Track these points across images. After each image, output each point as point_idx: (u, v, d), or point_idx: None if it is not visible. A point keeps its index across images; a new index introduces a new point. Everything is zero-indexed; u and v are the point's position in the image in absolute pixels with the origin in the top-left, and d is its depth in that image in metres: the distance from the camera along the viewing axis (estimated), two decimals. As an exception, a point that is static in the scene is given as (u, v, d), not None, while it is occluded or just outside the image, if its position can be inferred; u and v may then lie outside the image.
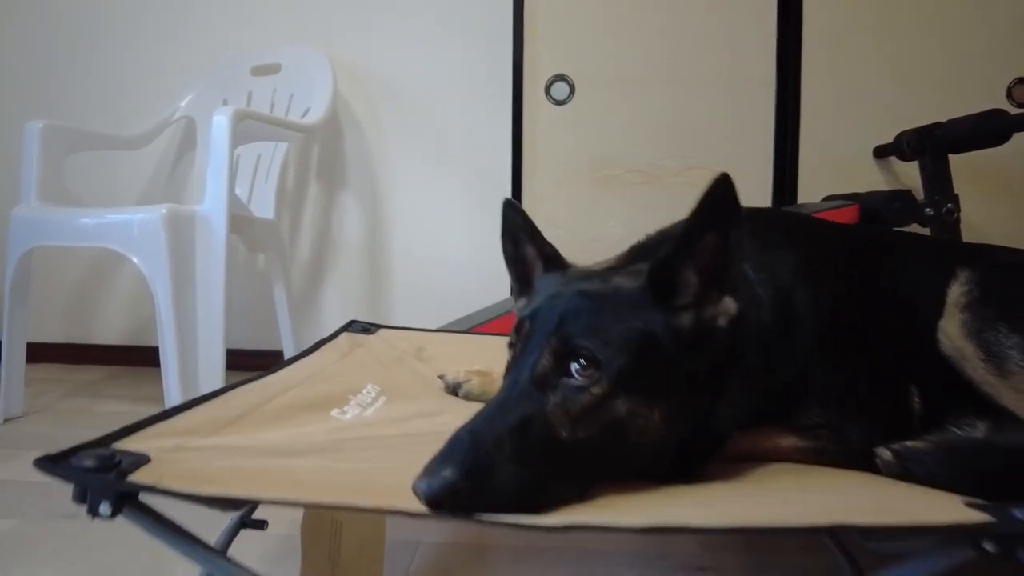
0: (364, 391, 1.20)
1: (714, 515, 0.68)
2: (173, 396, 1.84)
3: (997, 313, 1.01)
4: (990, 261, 1.15)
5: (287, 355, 2.47)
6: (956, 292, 1.09)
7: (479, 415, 0.77)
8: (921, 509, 0.70)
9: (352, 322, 1.66)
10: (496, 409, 0.77)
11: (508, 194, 2.66)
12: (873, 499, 0.79)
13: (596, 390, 0.77)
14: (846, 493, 0.82)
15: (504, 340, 1.77)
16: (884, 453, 0.94)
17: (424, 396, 1.25)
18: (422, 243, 2.76)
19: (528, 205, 2.67)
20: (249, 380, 1.12)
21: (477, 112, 2.71)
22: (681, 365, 0.81)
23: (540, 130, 2.69)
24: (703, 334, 0.83)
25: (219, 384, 1.90)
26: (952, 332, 1.04)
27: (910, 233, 1.57)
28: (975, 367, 1.00)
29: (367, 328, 1.63)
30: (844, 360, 1.01)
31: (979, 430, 1.04)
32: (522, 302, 1.01)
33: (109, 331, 2.87)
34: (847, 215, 1.90)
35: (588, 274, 0.91)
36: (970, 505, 0.68)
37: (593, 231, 2.66)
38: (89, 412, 2.23)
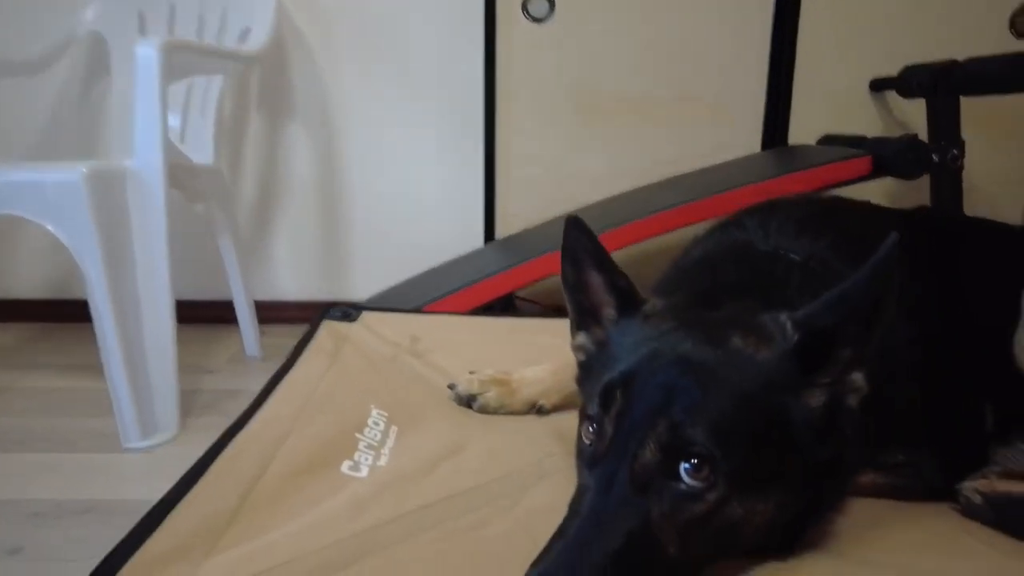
0: (370, 423, 1.02)
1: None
2: (118, 381, 1.59)
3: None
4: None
5: (238, 306, 2.21)
6: (1032, 298, 0.99)
7: (568, 530, 0.62)
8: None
9: (329, 307, 1.45)
10: (591, 525, 0.62)
11: (480, 126, 2.40)
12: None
13: (711, 496, 0.63)
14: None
15: (505, 324, 1.60)
16: (973, 496, 0.86)
17: (437, 418, 1.08)
18: (385, 182, 2.48)
19: (502, 138, 2.41)
20: (231, 428, 0.93)
21: (445, 31, 2.37)
22: (804, 454, 0.67)
23: (516, 52, 2.39)
24: (831, 416, 0.69)
25: (169, 357, 1.67)
26: (1028, 348, 0.94)
27: (974, 219, 1.45)
28: (1050, 380, 0.91)
29: (348, 313, 1.43)
30: (926, 393, 0.89)
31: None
32: (581, 338, 0.84)
33: (25, 284, 2.51)
34: (859, 167, 1.77)
35: (687, 321, 0.73)
36: None
37: (574, 167, 2.45)
38: (8, 390, 1.94)
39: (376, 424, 1.03)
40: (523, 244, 2.15)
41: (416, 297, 1.96)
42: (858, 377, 0.70)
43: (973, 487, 0.86)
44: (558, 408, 1.13)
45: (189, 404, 1.83)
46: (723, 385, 0.66)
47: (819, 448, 0.68)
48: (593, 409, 0.70)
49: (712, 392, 0.65)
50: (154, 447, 1.63)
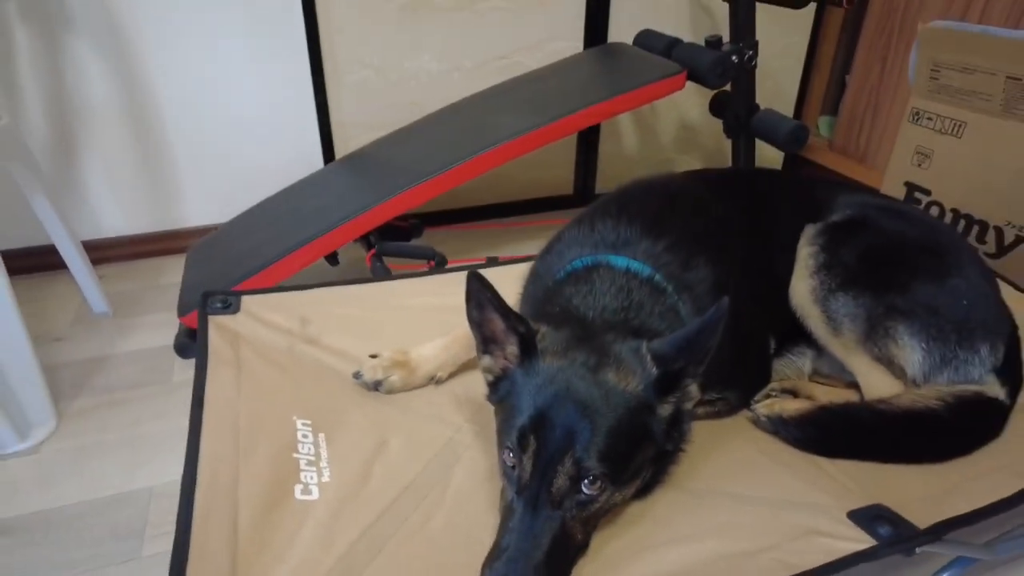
0: (300, 437, 1.16)
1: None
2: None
3: (838, 284, 1.27)
4: (832, 216, 1.37)
5: (68, 260, 2.02)
6: (805, 253, 1.34)
7: (509, 541, 0.87)
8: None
9: (206, 297, 1.46)
10: (525, 538, 0.88)
11: (301, 31, 2.22)
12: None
13: (603, 497, 0.92)
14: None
15: (382, 289, 1.72)
16: (760, 418, 1.24)
17: (354, 412, 1.24)
18: (199, 100, 2.26)
19: (327, 40, 2.26)
20: (185, 484, 1.02)
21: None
22: (658, 446, 0.97)
23: (329, -55, 2.17)
24: (676, 417, 0.98)
25: (21, 340, 1.59)
26: (803, 297, 1.31)
27: (772, 175, 1.73)
28: (817, 325, 1.29)
29: (227, 302, 1.46)
30: (735, 346, 1.21)
31: (807, 355, 1.39)
32: (487, 361, 1.04)
33: None
34: (676, 84, 1.97)
35: (575, 362, 0.95)
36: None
37: (405, 67, 2.39)
38: None
39: (305, 437, 1.16)
40: (369, 170, 2.15)
41: (275, 237, 1.95)
42: (693, 388, 0.99)
43: (760, 409, 1.24)
44: (452, 376, 1.35)
45: (52, 385, 1.77)
46: (606, 420, 0.91)
47: (668, 440, 0.98)
48: (512, 446, 0.93)
49: (599, 429, 0.90)
50: (37, 446, 1.61)
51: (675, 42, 2.16)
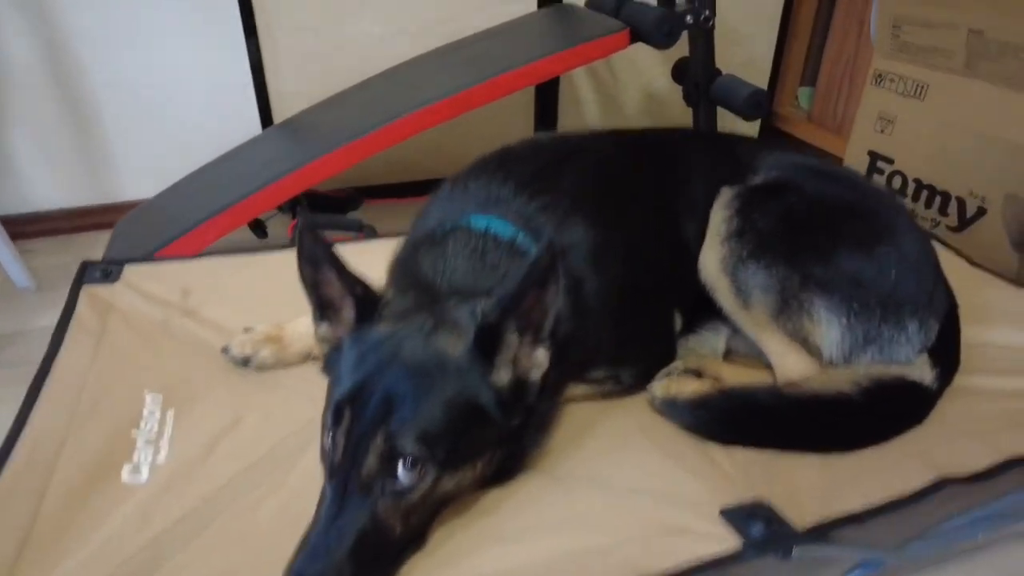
0: (145, 413, 1.07)
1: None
2: None
3: (749, 251, 1.15)
4: (752, 178, 1.24)
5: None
6: (718, 218, 1.21)
7: (311, 538, 0.76)
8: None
9: (85, 266, 1.38)
10: (328, 532, 0.77)
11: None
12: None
13: (424, 485, 0.80)
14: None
15: (276, 259, 1.61)
16: (654, 399, 1.12)
17: (215, 388, 1.14)
18: (127, 64, 2.16)
19: (260, 4, 2.15)
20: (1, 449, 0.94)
21: None
22: (501, 423, 0.85)
23: None
24: (519, 387, 0.86)
25: None
26: (712, 267, 1.18)
27: (682, 135, 1.59)
28: (726, 298, 1.17)
29: (107, 272, 1.37)
30: (623, 319, 1.10)
31: (722, 332, 1.26)
32: (323, 329, 0.93)
33: None
34: (618, 42, 1.83)
35: (410, 327, 0.85)
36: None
37: (347, 31, 2.27)
38: None
39: (152, 414, 1.07)
40: (297, 135, 2.05)
41: (198, 205, 1.86)
42: (540, 354, 0.87)
43: (655, 390, 1.12)
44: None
45: (-40, 359, 1.71)
46: (431, 390, 0.80)
47: (511, 417, 0.86)
48: (328, 423, 0.82)
49: (422, 400, 0.79)
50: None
51: (625, 1, 2.01)
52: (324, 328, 0.93)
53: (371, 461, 0.77)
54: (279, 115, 2.32)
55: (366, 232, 1.93)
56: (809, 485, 0.95)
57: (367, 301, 0.88)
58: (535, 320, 0.84)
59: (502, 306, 0.82)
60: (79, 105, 2.19)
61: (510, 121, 2.45)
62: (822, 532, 0.86)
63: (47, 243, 2.28)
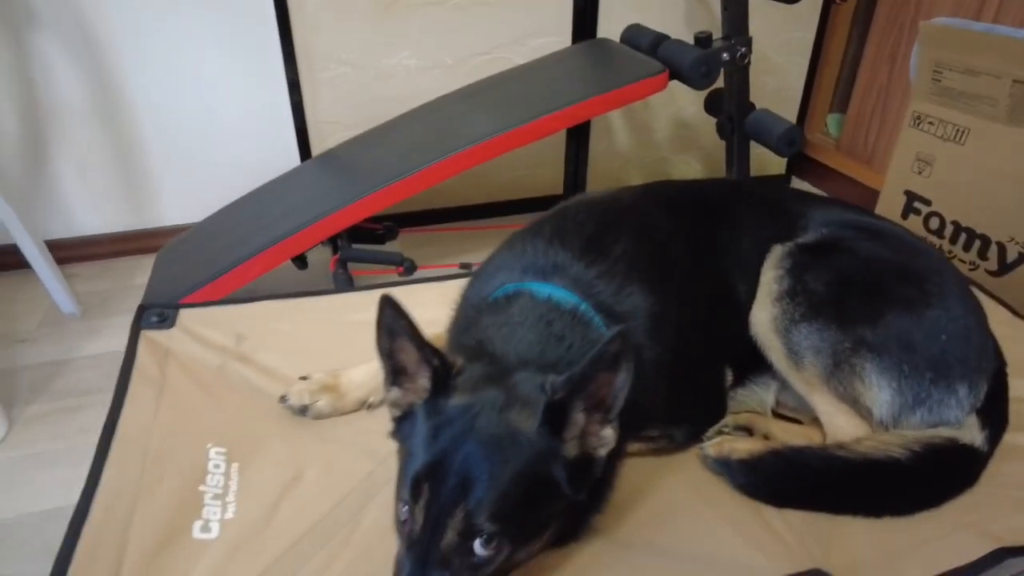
0: (211, 467, 1.10)
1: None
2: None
3: (801, 313, 1.16)
4: (802, 235, 1.25)
5: (31, 259, 1.99)
6: (769, 277, 1.22)
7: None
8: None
9: (142, 311, 1.41)
10: None
11: (273, 26, 2.15)
12: None
13: (499, 558, 0.83)
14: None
15: (324, 303, 1.64)
16: (707, 458, 1.14)
17: (274, 439, 1.17)
18: (173, 98, 2.21)
19: (301, 39, 2.19)
20: (75, 516, 0.97)
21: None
22: (570, 496, 0.87)
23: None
24: (586, 462, 0.88)
25: None
26: (763, 326, 1.19)
27: (731, 188, 1.60)
28: (779, 358, 1.18)
29: (163, 316, 1.40)
30: (678, 381, 1.12)
31: (771, 386, 1.28)
32: (395, 393, 0.95)
33: None
34: (657, 84, 1.85)
35: (483, 403, 0.86)
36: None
37: (383, 65, 2.30)
38: None
39: (217, 467, 1.10)
40: (338, 170, 2.08)
41: (241, 239, 1.90)
42: (608, 433, 0.89)
43: (708, 449, 1.14)
44: (384, 403, 1.27)
45: (10, 389, 1.75)
46: (504, 468, 0.82)
47: (579, 489, 0.88)
48: (405, 496, 0.84)
49: (496, 479, 0.81)
50: (-17, 455, 1.58)
51: (662, 38, 2.03)
52: (395, 393, 0.95)
53: (450, 537, 0.80)
54: (316, 144, 2.36)
55: (406, 265, 1.96)
56: (865, 553, 0.97)
57: (443, 372, 0.90)
58: (604, 401, 0.86)
59: (571, 385, 0.83)
60: (122, 133, 2.24)
61: (540, 147, 2.47)
62: (884, 607, 0.87)
63: (88, 268, 2.33)
